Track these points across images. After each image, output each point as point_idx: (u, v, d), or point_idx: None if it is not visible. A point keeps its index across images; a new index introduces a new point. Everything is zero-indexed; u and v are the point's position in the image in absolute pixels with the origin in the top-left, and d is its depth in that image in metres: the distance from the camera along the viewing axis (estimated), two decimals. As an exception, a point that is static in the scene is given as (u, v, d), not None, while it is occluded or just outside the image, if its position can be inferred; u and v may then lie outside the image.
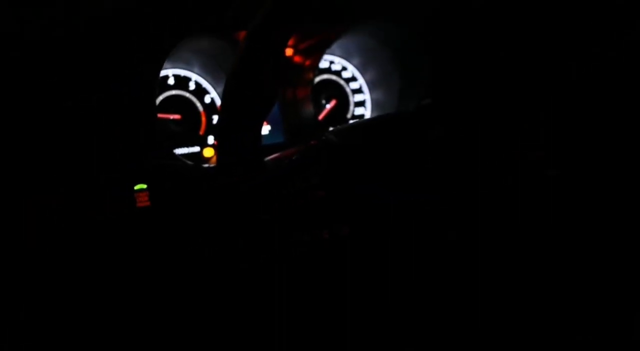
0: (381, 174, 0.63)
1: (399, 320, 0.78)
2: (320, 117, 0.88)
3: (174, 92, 0.78)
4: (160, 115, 0.77)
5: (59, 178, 0.77)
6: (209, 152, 0.81)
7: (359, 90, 0.93)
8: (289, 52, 0.82)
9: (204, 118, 0.79)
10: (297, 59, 0.84)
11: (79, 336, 0.77)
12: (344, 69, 0.92)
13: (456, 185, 0.65)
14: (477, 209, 0.67)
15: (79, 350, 0.77)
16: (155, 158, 0.76)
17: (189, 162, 0.74)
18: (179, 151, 0.78)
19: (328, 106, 0.90)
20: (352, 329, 0.77)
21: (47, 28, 0.80)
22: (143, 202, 0.74)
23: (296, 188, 0.64)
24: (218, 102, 0.81)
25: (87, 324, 0.76)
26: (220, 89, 0.81)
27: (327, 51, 0.84)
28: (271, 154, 0.64)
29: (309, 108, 0.82)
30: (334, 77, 0.91)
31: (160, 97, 0.77)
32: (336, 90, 0.91)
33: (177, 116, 0.78)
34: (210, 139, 0.80)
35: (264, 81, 0.58)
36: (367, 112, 0.94)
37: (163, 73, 0.77)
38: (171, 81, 0.77)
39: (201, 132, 0.79)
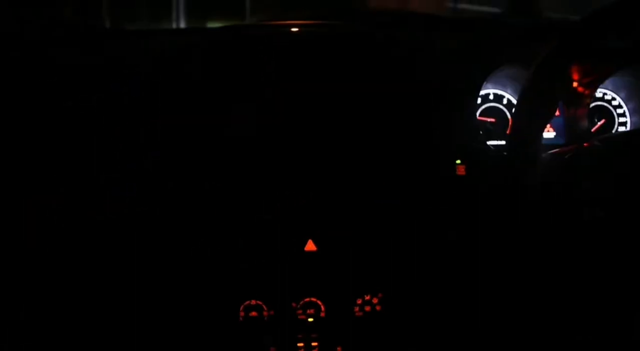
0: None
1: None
2: (593, 129, 1.19)
3: (492, 104, 1.13)
4: (480, 118, 1.11)
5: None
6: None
7: (622, 114, 1.18)
8: (575, 84, 1.16)
9: (510, 123, 1.12)
10: (579, 89, 1.16)
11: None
12: (613, 99, 1.18)
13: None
14: None
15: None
16: (474, 143, 0.93)
17: (492, 148, 0.95)
18: (491, 142, 1.05)
19: (599, 123, 1.17)
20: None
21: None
22: (461, 172, 0.93)
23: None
24: (520, 113, 1.13)
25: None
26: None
27: (601, 85, 1.12)
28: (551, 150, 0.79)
29: (585, 123, 1.14)
30: (605, 104, 1.18)
31: (483, 106, 1.15)
32: (605, 113, 1.17)
33: (492, 119, 1.12)
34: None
35: (544, 101, 0.71)
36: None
37: (487, 91, 1.13)
38: (491, 97, 1.14)
39: (508, 132, 1.14)
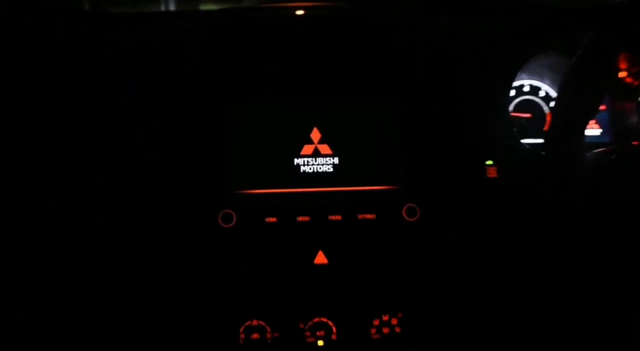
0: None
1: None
2: (641, 125, 1.06)
3: (527, 97, 1.03)
4: (513, 114, 1.03)
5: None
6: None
7: (677, 109, 1.08)
8: (622, 73, 1.03)
9: (548, 118, 1.03)
10: (628, 79, 1.04)
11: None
12: (666, 90, 1.08)
13: None
14: None
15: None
16: (506, 142, 0.87)
17: (528, 147, 0.88)
18: (526, 140, 0.98)
19: (650, 118, 1.07)
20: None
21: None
22: (492, 174, 0.86)
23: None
24: (560, 107, 1.03)
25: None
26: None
27: (654, 75, 1.02)
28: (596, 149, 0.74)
29: (634, 118, 1.01)
30: (656, 97, 1.08)
31: (517, 100, 1.04)
32: (657, 107, 1.08)
33: (528, 115, 1.02)
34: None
35: (588, 94, 0.69)
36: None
37: (521, 82, 1.03)
38: (526, 89, 1.03)
39: (545, 128, 1.04)
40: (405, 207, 0.85)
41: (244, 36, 0.86)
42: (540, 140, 1.00)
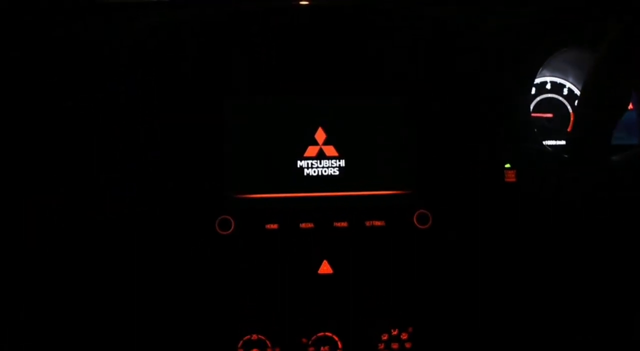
0: None
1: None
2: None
3: (549, 95, 0.97)
4: (534, 114, 0.97)
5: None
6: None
7: None
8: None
9: (572, 118, 0.97)
10: (658, 75, 0.97)
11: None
12: (700, 88, 1.01)
13: None
14: None
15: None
16: (526, 144, 0.84)
17: (550, 149, 0.84)
18: (548, 142, 0.94)
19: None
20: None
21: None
22: (510, 178, 0.84)
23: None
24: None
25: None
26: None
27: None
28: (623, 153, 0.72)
29: (666, 118, 0.96)
30: (690, 95, 1.01)
31: (538, 98, 0.98)
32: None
33: (549, 115, 0.96)
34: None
35: (616, 91, 0.67)
36: None
37: (543, 79, 0.97)
38: (548, 86, 0.97)
39: (569, 129, 0.97)
40: (416, 213, 0.82)
41: (244, 28, 0.85)
42: (563, 142, 0.97)
